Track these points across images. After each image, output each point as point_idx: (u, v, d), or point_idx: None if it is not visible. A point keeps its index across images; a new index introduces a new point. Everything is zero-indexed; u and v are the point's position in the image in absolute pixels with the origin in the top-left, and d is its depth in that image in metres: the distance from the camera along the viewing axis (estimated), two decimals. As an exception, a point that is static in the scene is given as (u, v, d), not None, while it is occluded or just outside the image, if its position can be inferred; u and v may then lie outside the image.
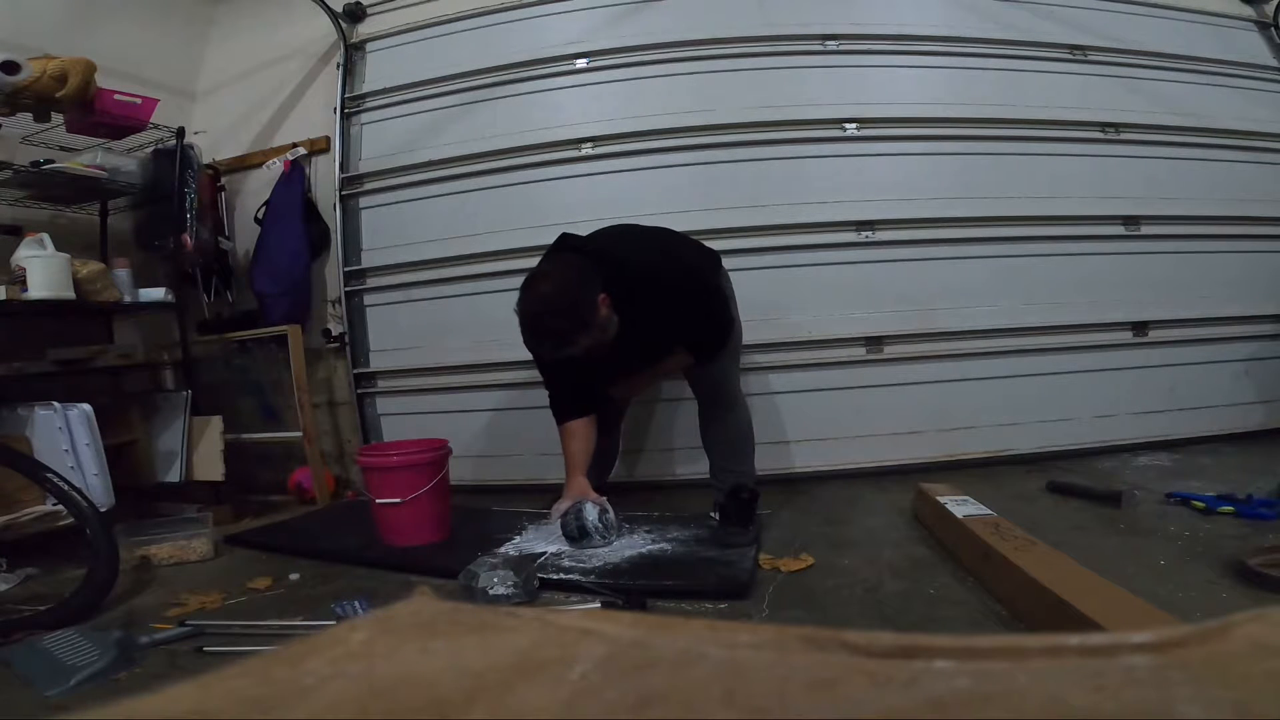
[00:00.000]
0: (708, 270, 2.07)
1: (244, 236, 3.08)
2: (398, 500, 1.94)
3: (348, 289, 2.93)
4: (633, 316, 1.84)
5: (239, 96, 3.21)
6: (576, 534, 1.85)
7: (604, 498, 1.96)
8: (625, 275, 1.82)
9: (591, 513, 1.86)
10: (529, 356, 2.59)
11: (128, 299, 2.49)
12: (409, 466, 1.98)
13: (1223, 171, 2.83)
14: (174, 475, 2.53)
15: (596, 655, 0.30)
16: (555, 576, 1.65)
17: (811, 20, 2.73)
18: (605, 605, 1.50)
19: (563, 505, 1.93)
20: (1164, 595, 1.32)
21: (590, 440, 2.04)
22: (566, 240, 1.96)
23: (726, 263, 2.60)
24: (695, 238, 2.26)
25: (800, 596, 1.51)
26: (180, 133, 2.65)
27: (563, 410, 2.04)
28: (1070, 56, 2.84)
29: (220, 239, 2.97)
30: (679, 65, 2.74)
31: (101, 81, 2.33)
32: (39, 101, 2.19)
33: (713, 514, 2.03)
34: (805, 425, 2.61)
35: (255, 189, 3.09)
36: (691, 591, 1.55)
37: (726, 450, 2.07)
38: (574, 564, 1.73)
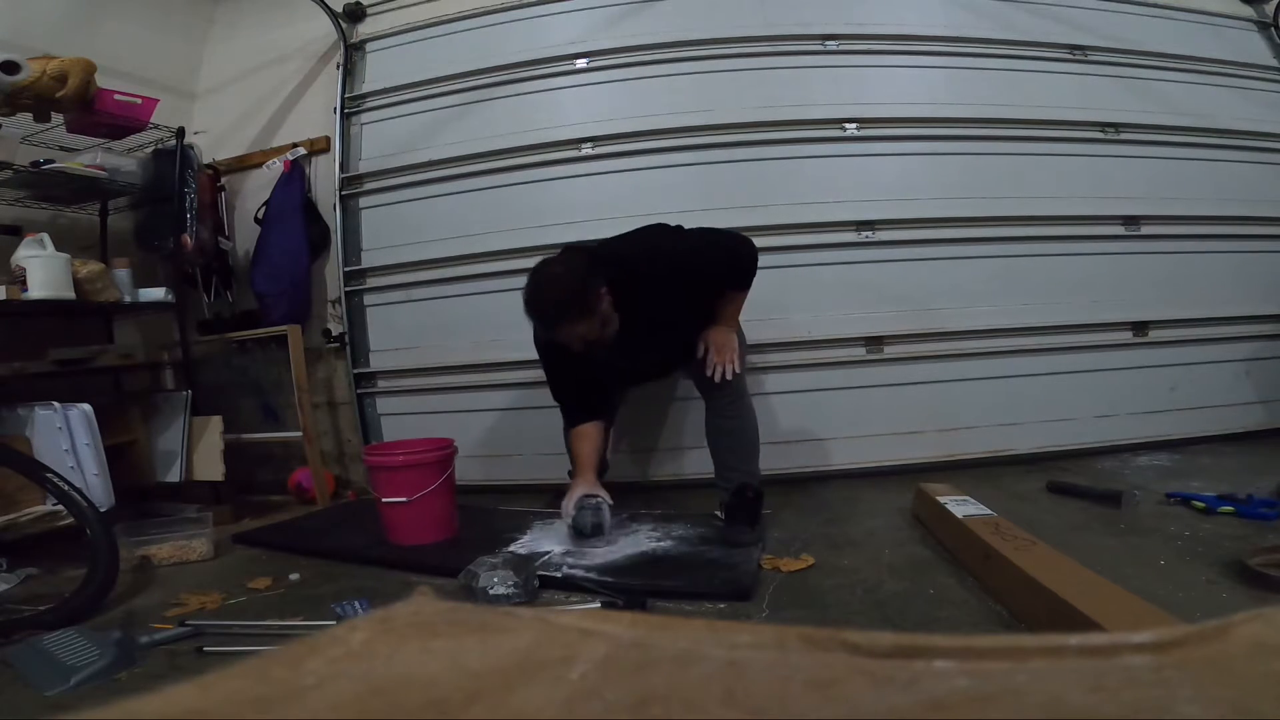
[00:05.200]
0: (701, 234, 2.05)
1: (244, 236, 3.08)
2: (404, 499, 1.95)
3: (348, 289, 2.94)
4: (640, 308, 1.86)
5: (239, 96, 3.21)
6: (590, 530, 1.84)
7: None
8: (627, 267, 1.85)
9: (608, 512, 1.88)
10: (530, 356, 2.58)
11: (128, 299, 2.49)
12: (415, 465, 1.98)
13: (1223, 171, 2.83)
14: (174, 475, 2.53)
15: (596, 655, 0.30)
16: (556, 575, 1.65)
17: (811, 20, 2.73)
18: (605, 605, 1.51)
19: (575, 496, 1.90)
20: (1164, 595, 1.32)
21: (600, 443, 2.04)
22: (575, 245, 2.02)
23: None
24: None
25: (800, 596, 1.51)
26: (180, 133, 2.65)
27: (574, 417, 2.05)
28: (1070, 56, 2.84)
29: (220, 239, 2.97)
30: (679, 65, 2.74)
31: (101, 81, 2.33)
32: (39, 101, 2.19)
33: (717, 513, 2.03)
34: (805, 425, 2.61)
35: (255, 189, 3.09)
36: (693, 593, 1.55)
37: (732, 449, 2.03)
38: (575, 563, 1.73)
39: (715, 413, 2.04)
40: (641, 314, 1.86)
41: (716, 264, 1.92)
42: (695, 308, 1.97)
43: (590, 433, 2.01)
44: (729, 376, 1.90)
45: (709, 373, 1.91)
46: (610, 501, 1.91)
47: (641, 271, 1.86)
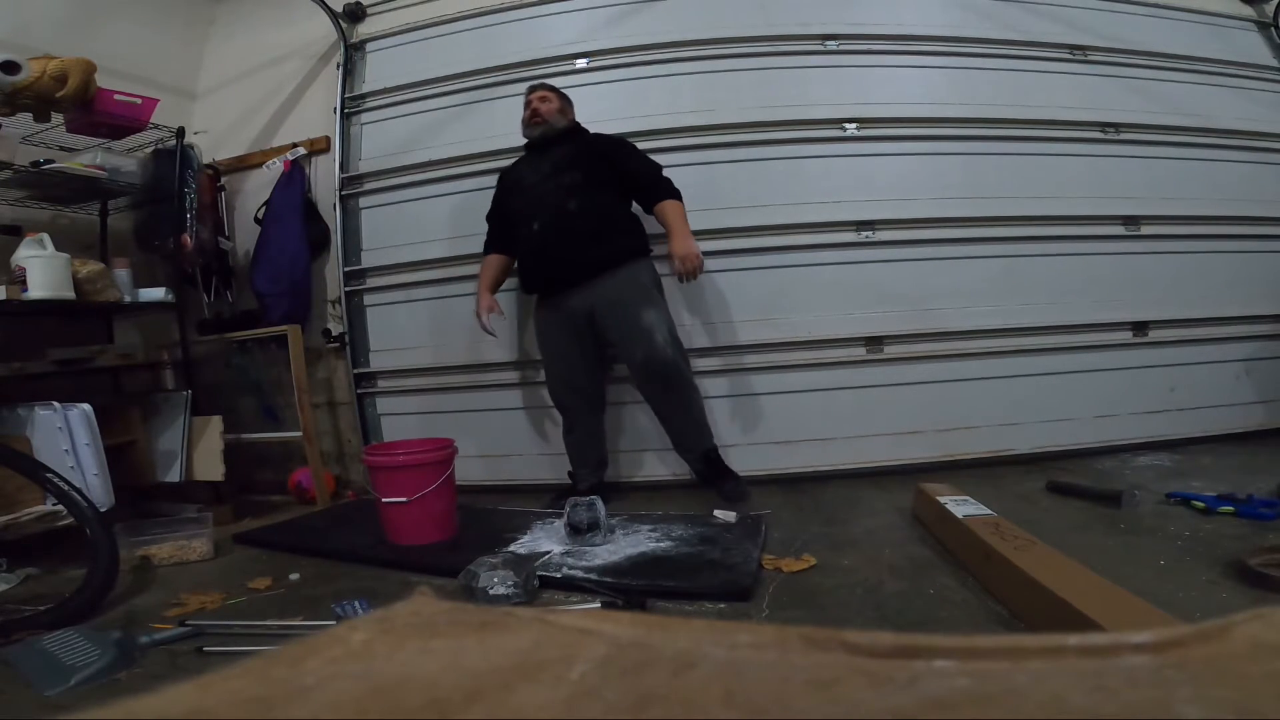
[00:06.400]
0: None
1: (244, 236, 3.08)
2: (404, 499, 1.95)
3: (348, 289, 2.94)
4: (567, 145, 2.37)
5: (239, 96, 3.21)
6: (585, 527, 1.87)
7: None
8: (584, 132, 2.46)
9: (602, 508, 1.90)
10: (529, 356, 2.58)
11: (128, 299, 2.50)
12: (415, 465, 1.99)
13: (1223, 171, 2.83)
14: (174, 475, 2.53)
15: (596, 655, 0.30)
16: (556, 576, 1.65)
17: (812, 20, 2.74)
18: (605, 605, 1.50)
19: (482, 305, 2.41)
20: (1164, 595, 1.32)
21: (499, 273, 2.53)
22: None
23: (725, 262, 2.62)
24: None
25: (800, 596, 1.51)
26: (180, 133, 2.65)
27: (488, 246, 2.54)
28: (1070, 56, 2.84)
29: (220, 239, 2.98)
30: (679, 65, 2.74)
31: (101, 81, 2.33)
32: (39, 101, 2.19)
33: (716, 513, 2.03)
34: (805, 425, 2.61)
35: (255, 189, 3.09)
36: (693, 593, 1.55)
37: (688, 428, 2.35)
38: (575, 563, 1.73)
39: (662, 398, 2.33)
40: (566, 150, 2.35)
41: (634, 157, 2.37)
42: (604, 178, 2.32)
43: (493, 262, 2.51)
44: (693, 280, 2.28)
45: (678, 280, 2.26)
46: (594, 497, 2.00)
47: (586, 132, 2.45)
